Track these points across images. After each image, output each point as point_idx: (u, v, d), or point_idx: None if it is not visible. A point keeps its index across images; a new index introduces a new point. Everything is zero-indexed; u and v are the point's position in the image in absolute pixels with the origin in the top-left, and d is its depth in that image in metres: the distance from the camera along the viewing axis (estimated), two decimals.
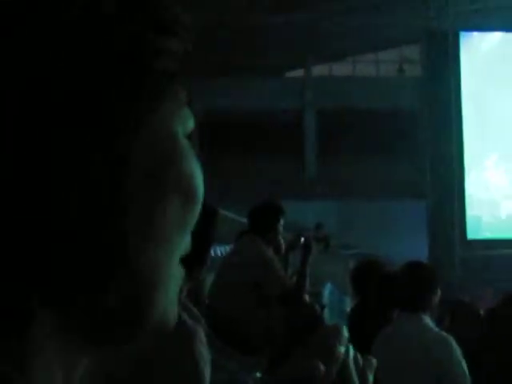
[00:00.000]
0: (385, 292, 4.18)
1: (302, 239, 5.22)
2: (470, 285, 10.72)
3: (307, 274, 5.16)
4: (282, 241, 5.22)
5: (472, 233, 13.63)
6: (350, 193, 16.97)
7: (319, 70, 21.15)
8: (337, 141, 18.11)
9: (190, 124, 0.53)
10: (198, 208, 0.52)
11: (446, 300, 5.11)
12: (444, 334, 3.60)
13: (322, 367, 0.59)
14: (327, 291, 8.03)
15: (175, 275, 0.51)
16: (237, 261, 5.15)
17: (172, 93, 0.51)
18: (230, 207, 12.85)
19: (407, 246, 13.54)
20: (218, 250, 10.18)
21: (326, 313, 6.39)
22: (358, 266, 5.11)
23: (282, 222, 5.11)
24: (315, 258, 5.38)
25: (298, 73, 21.54)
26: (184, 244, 0.52)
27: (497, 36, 14.23)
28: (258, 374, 4.02)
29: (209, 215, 2.24)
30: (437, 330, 3.65)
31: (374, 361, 0.65)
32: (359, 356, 0.62)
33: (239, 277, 5.00)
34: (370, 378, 0.64)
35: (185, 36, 0.50)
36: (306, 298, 5.30)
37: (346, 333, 0.62)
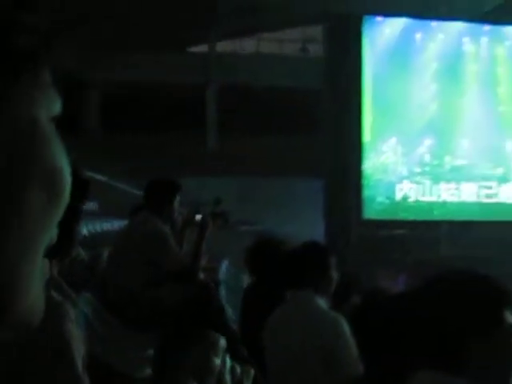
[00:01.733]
0: (280, 271, 4.16)
1: (199, 216, 5.18)
2: (364, 265, 10.92)
3: (203, 250, 5.14)
4: (178, 217, 5.17)
5: (368, 213, 13.92)
6: (250, 169, 17.02)
7: (223, 46, 21.06)
8: (239, 118, 18.12)
9: (56, 107, 0.47)
10: (64, 200, 0.46)
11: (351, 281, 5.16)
12: (335, 314, 3.60)
13: None
14: (223, 267, 8.00)
15: (39, 269, 0.47)
16: (132, 236, 5.09)
17: (31, 75, 0.45)
18: (130, 182, 12.70)
19: (305, 223, 13.73)
20: (116, 224, 10.05)
21: (222, 289, 6.37)
22: (254, 244, 5.08)
23: (178, 198, 5.06)
24: (213, 233, 5.36)
25: (202, 48, 21.39)
26: (49, 238, 0.46)
27: (400, 22, 14.46)
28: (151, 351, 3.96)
29: (79, 189, 2.12)
30: (328, 310, 3.65)
31: (252, 370, 0.61)
32: (237, 366, 0.58)
33: (134, 252, 4.94)
34: None
35: (46, 13, 0.44)
36: (201, 274, 5.27)
37: (222, 343, 0.58)
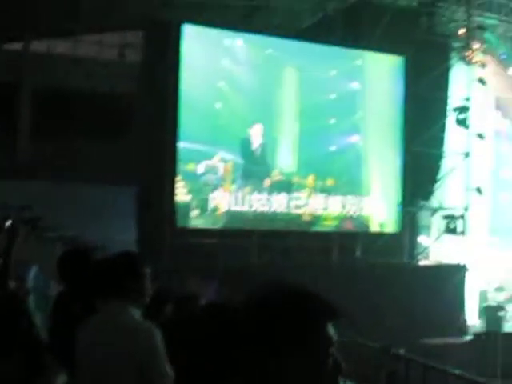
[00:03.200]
0: (91, 280, 4.09)
1: (8, 222, 5.02)
2: (177, 272, 10.96)
3: (12, 257, 4.98)
4: None
5: (181, 221, 14.01)
6: (62, 175, 16.58)
7: (38, 46, 20.36)
8: (53, 121, 17.61)
9: None
10: None
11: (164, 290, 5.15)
12: (148, 325, 3.56)
13: None
14: (32, 274, 7.75)
15: None
16: None
17: None
18: None
19: (119, 230, 13.55)
20: None
21: (31, 298, 6.19)
22: (64, 251, 4.97)
23: None
24: (22, 239, 5.20)
25: (17, 46, 20.58)
26: None
27: (215, 31, 14.84)
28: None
29: None
30: (142, 321, 3.62)
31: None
32: None
33: None
34: None
35: None
36: (12, 282, 5.10)
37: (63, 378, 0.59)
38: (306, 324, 1.62)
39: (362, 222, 16.28)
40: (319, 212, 15.69)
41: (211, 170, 14.60)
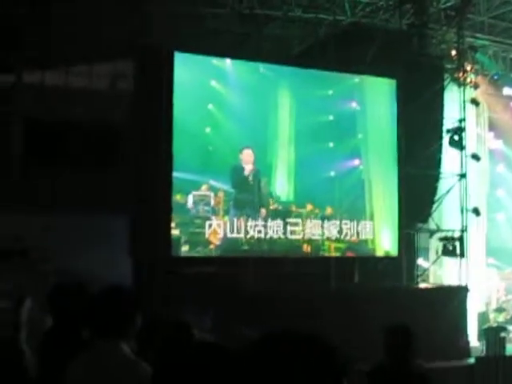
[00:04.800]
0: (82, 316, 3.97)
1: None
2: (172, 302, 10.78)
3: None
4: None
5: (175, 250, 13.79)
6: (55, 205, 16.42)
7: (30, 77, 20.32)
8: (44, 151, 17.50)
9: None
10: None
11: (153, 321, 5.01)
12: (139, 361, 3.47)
13: None
14: (25, 308, 7.57)
15: None
16: None
17: None
18: None
19: (111, 261, 13.36)
20: None
21: (23, 331, 6.03)
22: (55, 285, 4.84)
23: None
24: (13, 271, 5.08)
25: (8, 78, 20.52)
26: None
27: (207, 59, 14.57)
28: None
29: None
30: (134, 358, 3.52)
31: None
32: None
33: None
34: None
35: None
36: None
37: None
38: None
39: (362, 247, 15.82)
40: (316, 237, 15.20)
41: (201, 200, 13.96)
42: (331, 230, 15.38)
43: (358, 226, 15.70)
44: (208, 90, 14.36)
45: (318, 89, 15.60)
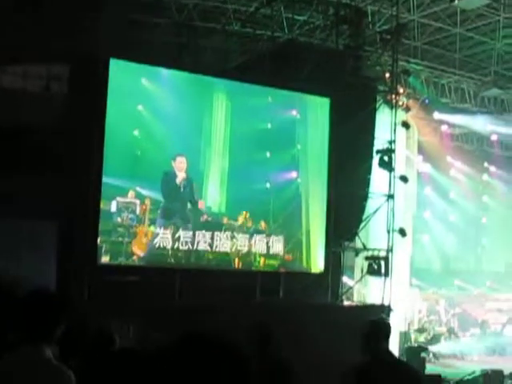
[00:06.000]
0: (6, 319, 3.94)
1: None
2: (96, 311, 10.64)
3: None
4: None
5: (102, 258, 13.55)
6: None
7: None
8: None
9: None
10: None
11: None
12: (63, 367, 3.46)
13: None
14: None
15: None
16: None
17: None
18: None
19: (38, 266, 13.13)
20: None
21: None
22: None
23: None
24: None
25: None
26: None
27: (139, 66, 14.03)
28: None
29: None
30: (58, 363, 3.51)
31: None
32: None
33: None
34: None
35: None
36: None
37: None
38: None
39: (296, 265, 15.60)
40: (246, 251, 14.84)
41: (126, 208, 13.28)
42: (261, 245, 15.00)
43: (290, 242, 15.44)
44: (138, 88, 13.58)
45: (256, 95, 15.08)
